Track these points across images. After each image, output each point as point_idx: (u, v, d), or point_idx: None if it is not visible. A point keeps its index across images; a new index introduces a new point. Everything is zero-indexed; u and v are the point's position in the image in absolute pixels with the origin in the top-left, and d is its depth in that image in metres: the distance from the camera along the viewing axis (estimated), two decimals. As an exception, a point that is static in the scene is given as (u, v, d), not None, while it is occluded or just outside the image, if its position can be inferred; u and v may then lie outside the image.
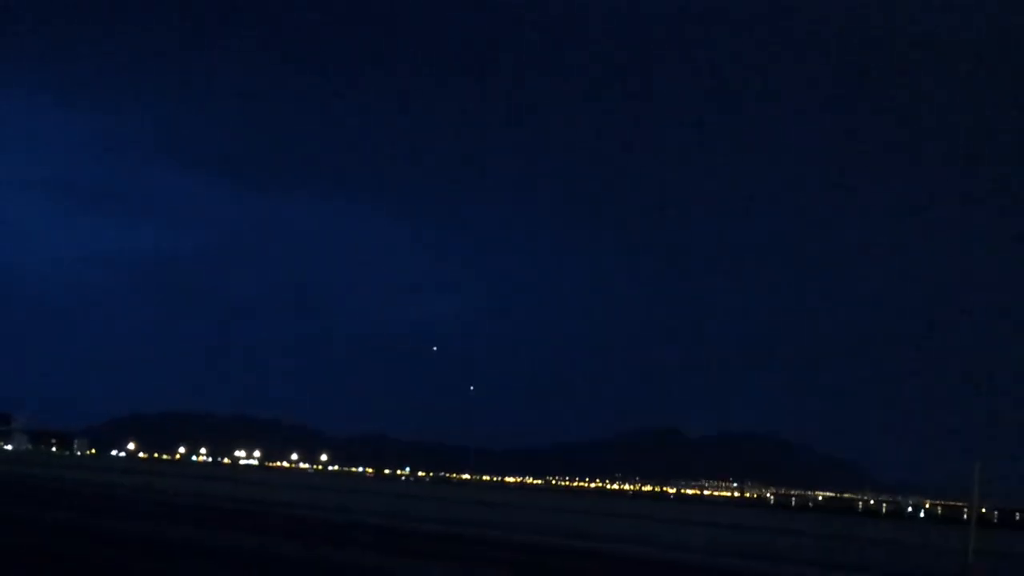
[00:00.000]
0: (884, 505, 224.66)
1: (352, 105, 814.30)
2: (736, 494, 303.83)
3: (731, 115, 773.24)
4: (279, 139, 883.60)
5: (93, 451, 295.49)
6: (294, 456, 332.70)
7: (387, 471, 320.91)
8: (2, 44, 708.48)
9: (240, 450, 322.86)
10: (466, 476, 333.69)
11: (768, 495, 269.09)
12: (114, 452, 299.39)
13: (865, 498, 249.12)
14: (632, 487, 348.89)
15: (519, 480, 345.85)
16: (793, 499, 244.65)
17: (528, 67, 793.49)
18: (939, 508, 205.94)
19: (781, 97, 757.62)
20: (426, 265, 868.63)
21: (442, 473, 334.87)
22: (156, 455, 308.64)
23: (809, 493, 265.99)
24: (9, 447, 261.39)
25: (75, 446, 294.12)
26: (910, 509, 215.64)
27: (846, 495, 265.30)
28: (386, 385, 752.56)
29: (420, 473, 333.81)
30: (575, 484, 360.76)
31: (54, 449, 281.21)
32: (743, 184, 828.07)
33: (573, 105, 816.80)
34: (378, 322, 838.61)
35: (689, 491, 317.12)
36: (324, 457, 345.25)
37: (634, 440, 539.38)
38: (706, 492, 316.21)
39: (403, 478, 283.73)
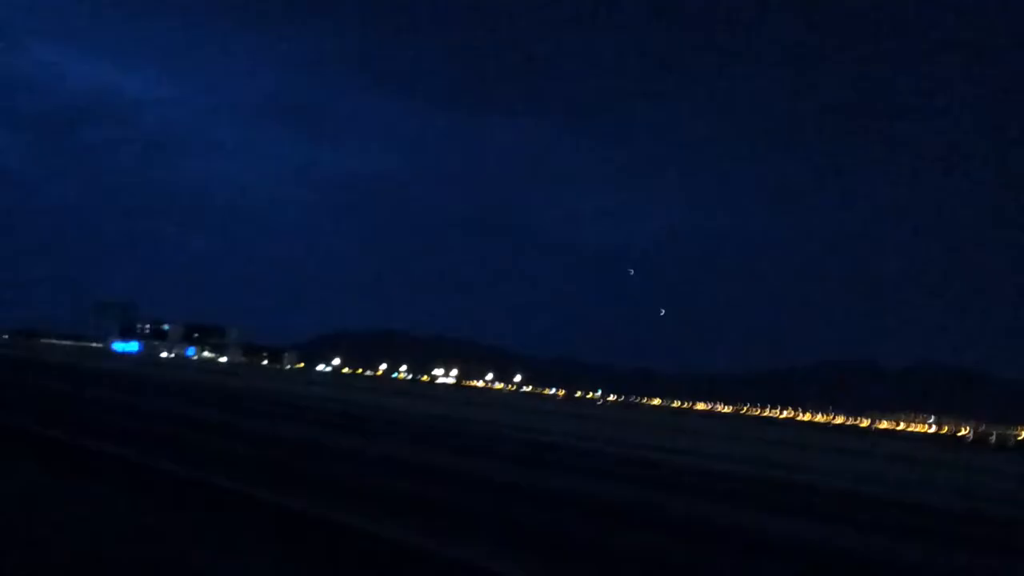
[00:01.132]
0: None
1: (549, 26, 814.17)
2: (934, 429, 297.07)
3: None
4: (476, 61, 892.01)
5: (301, 365, 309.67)
6: (489, 376, 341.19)
7: (578, 393, 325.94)
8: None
9: (438, 368, 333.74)
10: (656, 401, 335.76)
11: (967, 432, 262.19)
12: (320, 367, 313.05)
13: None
14: (825, 418, 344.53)
15: (709, 407, 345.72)
16: (994, 436, 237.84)
17: None
18: None
19: None
20: (622, 188, 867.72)
21: (632, 397, 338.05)
22: (359, 371, 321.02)
23: (1011, 430, 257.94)
24: (224, 359, 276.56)
25: (284, 360, 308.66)
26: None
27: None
28: (579, 307, 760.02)
29: (611, 397, 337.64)
30: (766, 414, 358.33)
31: (265, 363, 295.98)
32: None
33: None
34: (573, 244, 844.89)
35: (884, 424, 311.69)
36: (518, 377, 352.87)
37: (828, 370, 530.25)
38: (902, 426, 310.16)
39: (596, 400, 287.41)
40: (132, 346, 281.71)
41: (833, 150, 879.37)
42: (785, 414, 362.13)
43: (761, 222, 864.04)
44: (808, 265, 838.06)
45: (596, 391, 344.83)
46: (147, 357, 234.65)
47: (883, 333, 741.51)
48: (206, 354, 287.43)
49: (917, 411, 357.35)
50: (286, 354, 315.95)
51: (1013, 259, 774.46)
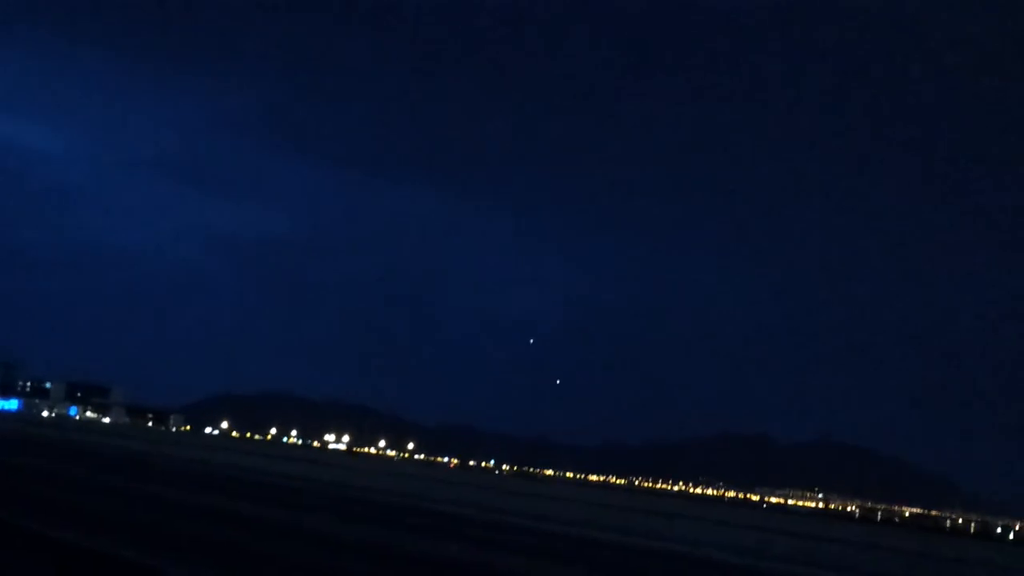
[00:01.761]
0: (972, 524, 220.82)
1: (456, 101, 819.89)
2: (821, 505, 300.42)
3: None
4: (384, 130, 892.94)
5: (188, 428, 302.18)
6: (381, 443, 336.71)
7: (472, 462, 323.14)
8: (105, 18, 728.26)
9: (330, 434, 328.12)
10: (549, 472, 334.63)
11: (853, 508, 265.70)
12: (208, 430, 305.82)
13: (953, 516, 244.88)
14: (716, 492, 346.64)
15: (602, 479, 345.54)
16: (879, 513, 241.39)
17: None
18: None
19: None
20: (521, 257, 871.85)
21: (526, 468, 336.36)
22: (248, 434, 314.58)
23: (895, 508, 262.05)
24: (107, 420, 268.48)
25: (171, 422, 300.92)
26: (999, 529, 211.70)
27: (933, 512, 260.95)
28: (477, 376, 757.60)
29: (504, 466, 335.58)
30: (658, 486, 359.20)
31: (150, 424, 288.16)
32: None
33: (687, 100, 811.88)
34: (471, 311, 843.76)
35: (774, 499, 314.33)
36: (411, 446, 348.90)
37: (722, 444, 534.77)
38: (790, 501, 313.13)
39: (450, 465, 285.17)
40: (12, 404, 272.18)
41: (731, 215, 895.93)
42: (677, 487, 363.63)
43: (657, 294, 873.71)
44: (705, 337, 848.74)
45: (490, 460, 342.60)
46: (27, 415, 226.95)
47: (778, 408, 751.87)
48: (89, 414, 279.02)
49: (809, 487, 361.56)
50: (172, 416, 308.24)
51: (911, 340, 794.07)
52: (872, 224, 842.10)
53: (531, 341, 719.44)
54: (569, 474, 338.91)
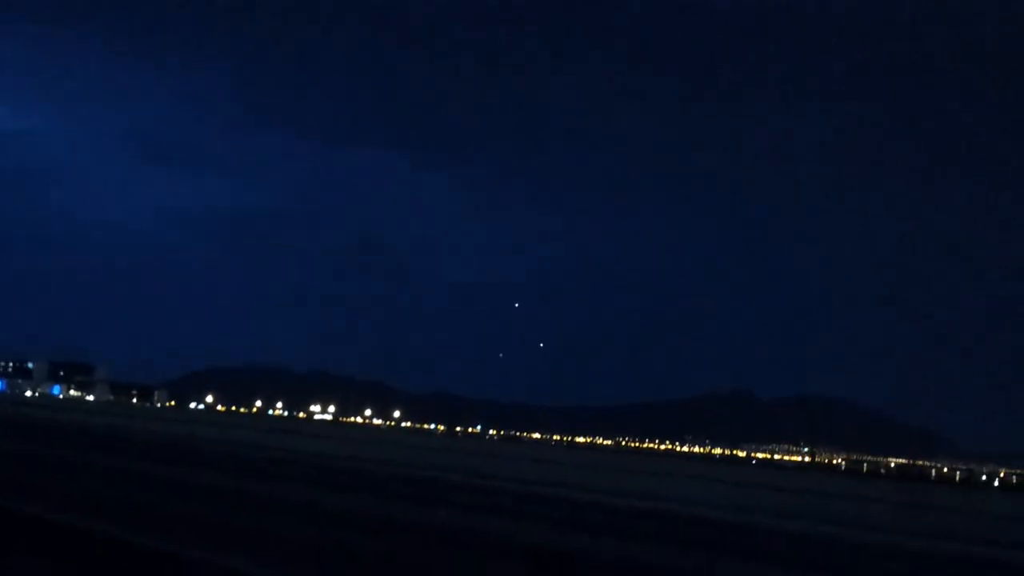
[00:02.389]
0: (958, 473, 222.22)
1: (424, 65, 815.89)
2: (807, 459, 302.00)
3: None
4: (352, 97, 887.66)
5: (173, 403, 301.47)
6: (367, 412, 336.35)
7: (458, 428, 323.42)
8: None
9: (315, 405, 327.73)
10: (536, 435, 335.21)
11: (839, 461, 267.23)
12: (193, 405, 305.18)
13: (939, 466, 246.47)
14: (702, 450, 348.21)
15: (589, 440, 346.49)
16: (865, 465, 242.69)
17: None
18: (1014, 477, 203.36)
19: None
20: (501, 222, 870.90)
21: (513, 432, 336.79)
22: (233, 408, 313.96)
23: (881, 459, 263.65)
24: (91, 398, 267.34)
25: (156, 398, 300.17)
26: (984, 478, 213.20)
27: (919, 462, 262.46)
28: (459, 342, 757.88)
29: (491, 431, 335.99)
30: (644, 446, 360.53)
31: (135, 401, 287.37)
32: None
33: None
34: (451, 278, 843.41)
35: (759, 455, 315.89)
36: (397, 414, 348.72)
37: (707, 402, 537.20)
38: (776, 456, 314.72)
39: (436, 434, 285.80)
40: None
41: (710, 181, 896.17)
42: (664, 446, 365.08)
43: (638, 256, 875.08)
44: (685, 297, 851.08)
45: (476, 426, 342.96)
46: (11, 396, 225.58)
47: (761, 364, 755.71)
48: (72, 392, 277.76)
49: (794, 442, 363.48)
50: (157, 392, 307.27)
51: (889, 292, 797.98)
52: (848, 180, 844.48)
53: (516, 305, 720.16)
54: (556, 436, 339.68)
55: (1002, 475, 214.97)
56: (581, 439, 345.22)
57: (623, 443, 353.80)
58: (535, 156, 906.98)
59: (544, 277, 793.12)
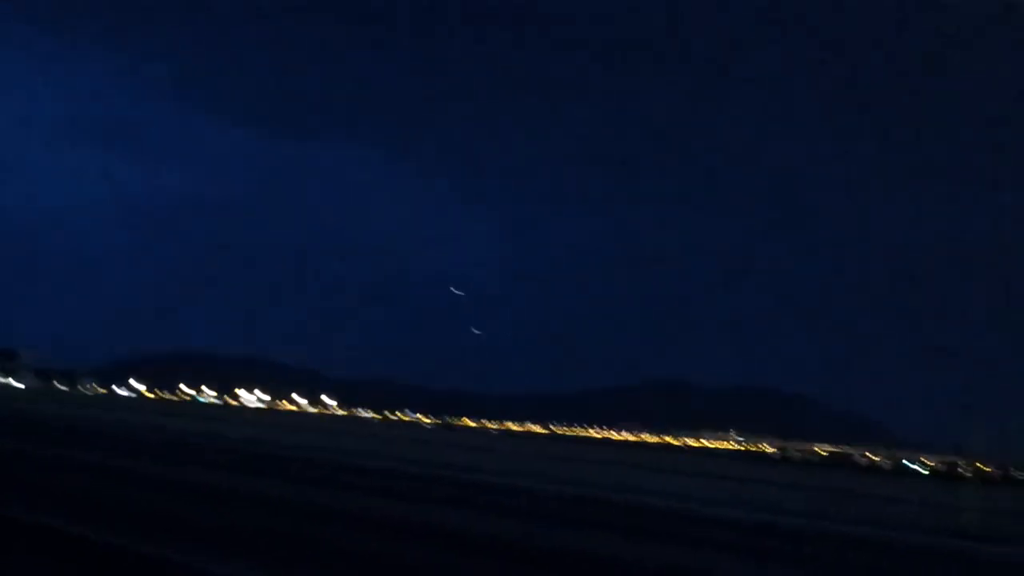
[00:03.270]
0: (888, 461, 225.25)
1: (371, 54, 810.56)
2: (740, 447, 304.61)
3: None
4: (298, 87, 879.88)
5: (100, 389, 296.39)
6: (297, 397, 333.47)
7: (392, 415, 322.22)
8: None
9: (245, 391, 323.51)
10: (471, 423, 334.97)
11: (772, 449, 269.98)
12: (122, 391, 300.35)
13: (869, 454, 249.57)
14: (636, 437, 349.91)
15: (523, 427, 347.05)
16: (797, 453, 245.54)
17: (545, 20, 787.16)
18: (943, 465, 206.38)
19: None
20: (441, 213, 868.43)
21: (447, 418, 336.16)
22: (162, 394, 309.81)
23: (813, 447, 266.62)
24: (16, 384, 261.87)
25: (82, 383, 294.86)
26: (912, 465, 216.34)
27: (849, 450, 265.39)
28: (396, 330, 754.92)
29: (424, 418, 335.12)
30: (578, 433, 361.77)
31: (62, 388, 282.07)
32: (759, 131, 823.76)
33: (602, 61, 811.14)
34: (387, 266, 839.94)
35: (693, 443, 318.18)
36: (329, 400, 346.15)
37: (642, 390, 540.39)
38: (709, 444, 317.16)
39: (377, 420, 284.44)
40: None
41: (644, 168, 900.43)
42: (599, 434, 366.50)
43: (574, 243, 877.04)
44: (621, 286, 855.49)
45: (409, 412, 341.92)
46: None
47: (697, 353, 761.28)
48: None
49: (728, 431, 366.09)
50: (83, 378, 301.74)
51: (821, 282, 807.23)
52: (784, 161, 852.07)
53: (454, 291, 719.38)
54: (490, 424, 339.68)
55: (933, 464, 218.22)
56: (515, 426, 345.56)
57: (557, 431, 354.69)
58: (471, 147, 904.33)
59: (480, 266, 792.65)
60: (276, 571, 14.15)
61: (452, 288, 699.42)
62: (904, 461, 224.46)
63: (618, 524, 26.85)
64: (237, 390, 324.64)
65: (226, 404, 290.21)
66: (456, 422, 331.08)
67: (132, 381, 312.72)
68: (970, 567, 25.54)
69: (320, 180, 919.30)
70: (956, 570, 24.52)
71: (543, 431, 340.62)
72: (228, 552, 15.28)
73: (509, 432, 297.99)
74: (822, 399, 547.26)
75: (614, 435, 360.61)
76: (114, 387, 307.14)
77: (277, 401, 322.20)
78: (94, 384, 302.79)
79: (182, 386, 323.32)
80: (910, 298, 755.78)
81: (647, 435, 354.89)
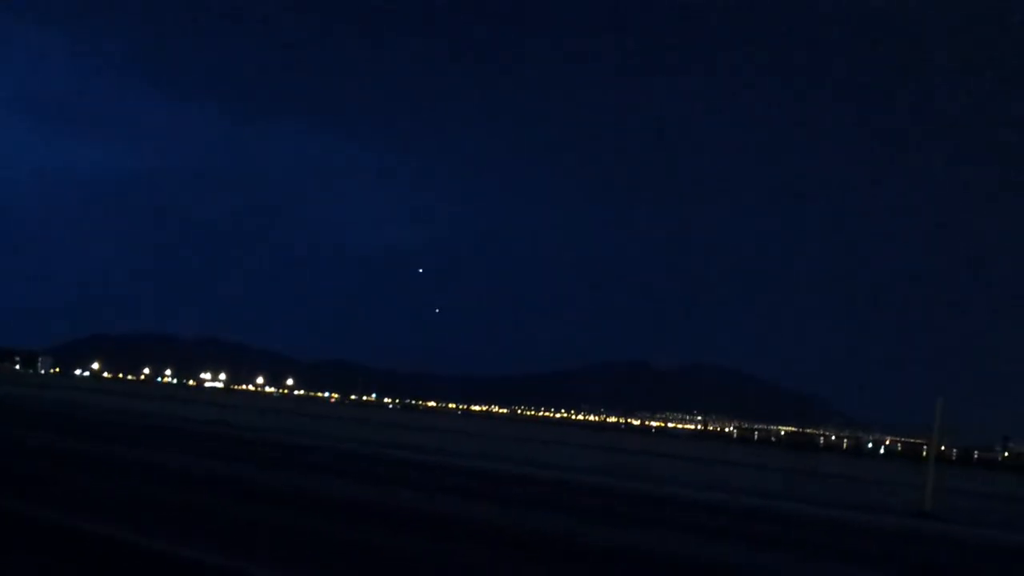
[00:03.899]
0: (845, 441, 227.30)
1: (326, 33, 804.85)
2: (700, 427, 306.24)
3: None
4: (253, 65, 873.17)
5: (57, 370, 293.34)
6: (260, 380, 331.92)
7: (353, 397, 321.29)
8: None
9: (206, 372, 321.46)
10: (431, 404, 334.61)
11: (731, 429, 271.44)
12: (78, 372, 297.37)
13: (827, 433, 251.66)
14: (598, 418, 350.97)
15: (485, 409, 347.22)
16: (756, 433, 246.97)
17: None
18: (899, 445, 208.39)
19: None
20: (396, 193, 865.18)
21: (408, 400, 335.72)
22: (120, 375, 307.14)
23: (772, 427, 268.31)
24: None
25: (39, 364, 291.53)
26: (870, 445, 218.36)
27: (808, 430, 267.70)
28: (356, 311, 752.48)
29: (386, 400, 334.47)
30: (540, 414, 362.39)
31: (17, 367, 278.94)
32: (716, 115, 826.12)
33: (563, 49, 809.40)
34: (348, 247, 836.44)
35: (654, 423, 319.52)
36: (290, 382, 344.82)
37: (603, 372, 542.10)
38: (670, 425, 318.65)
39: (331, 401, 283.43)
40: None
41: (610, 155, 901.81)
42: (560, 415, 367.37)
43: (534, 225, 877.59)
44: (582, 268, 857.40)
45: (371, 394, 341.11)
46: None
47: (656, 335, 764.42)
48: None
49: (688, 411, 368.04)
50: (40, 358, 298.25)
51: (779, 263, 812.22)
52: (744, 155, 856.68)
53: (420, 271, 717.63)
54: (452, 405, 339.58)
55: (887, 442, 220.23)
56: (477, 408, 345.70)
57: (519, 412, 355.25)
58: (436, 126, 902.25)
59: (440, 247, 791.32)
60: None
61: (419, 270, 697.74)
62: (868, 441, 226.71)
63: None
64: (200, 374, 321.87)
65: (184, 385, 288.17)
66: (417, 404, 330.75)
67: (94, 364, 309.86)
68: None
69: (280, 158, 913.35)
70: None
71: (505, 412, 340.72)
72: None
73: (470, 414, 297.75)
74: (776, 379, 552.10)
75: (575, 416, 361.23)
76: (77, 370, 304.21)
77: (237, 384, 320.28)
78: (51, 364, 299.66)
79: (146, 370, 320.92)
80: (867, 278, 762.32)
81: (609, 416, 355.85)
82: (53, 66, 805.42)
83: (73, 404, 66.36)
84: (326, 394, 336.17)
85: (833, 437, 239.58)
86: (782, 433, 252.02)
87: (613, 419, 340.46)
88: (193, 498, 19.54)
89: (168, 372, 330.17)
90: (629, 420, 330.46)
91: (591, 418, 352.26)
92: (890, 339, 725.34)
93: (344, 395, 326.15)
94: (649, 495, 31.66)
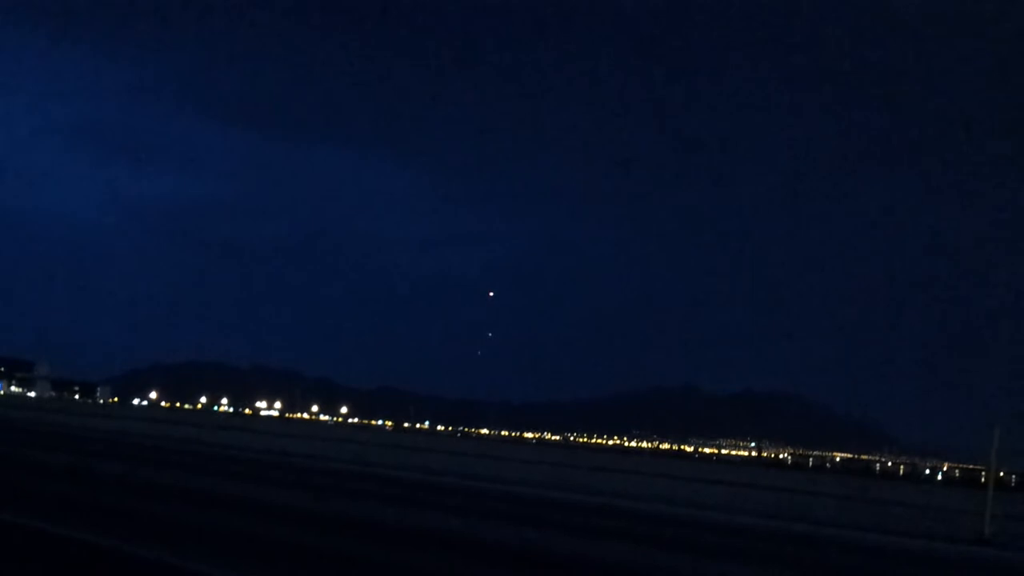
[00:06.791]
0: (902, 467, 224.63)
1: (373, 58, 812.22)
2: (753, 454, 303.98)
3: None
4: (302, 90, 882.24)
5: (115, 400, 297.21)
6: (314, 408, 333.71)
7: (406, 424, 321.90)
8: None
9: (261, 401, 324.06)
10: (484, 431, 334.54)
11: (785, 455, 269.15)
12: (136, 401, 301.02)
13: (883, 460, 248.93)
14: (650, 445, 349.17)
15: (537, 436, 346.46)
16: (811, 460, 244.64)
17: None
18: (957, 471, 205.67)
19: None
20: (450, 217, 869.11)
21: (461, 428, 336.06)
22: (178, 404, 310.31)
23: (827, 454, 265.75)
24: (32, 394, 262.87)
25: (98, 394, 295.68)
26: (928, 471, 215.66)
27: (863, 456, 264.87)
28: (406, 338, 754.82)
29: (439, 427, 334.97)
30: (592, 441, 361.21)
31: (77, 397, 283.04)
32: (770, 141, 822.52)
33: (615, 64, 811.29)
34: (398, 274, 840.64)
35: (706, 450, 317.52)
36: (344, 409, 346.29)
37: (653, 397, 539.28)
38: (723, 451, 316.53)
39: (379, 428, 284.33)
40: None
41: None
42: (612, 442, 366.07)
43: (586, 252, 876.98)
44: (633, 294, 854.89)
45: (424, 422, 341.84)
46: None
47: (707, 360, 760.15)
48: (14, 389, 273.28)
49: (741, 437, 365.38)
50: (99, 388, 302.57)
51: (834, 288, 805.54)
52: (789, 178, 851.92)
53: (491, 294, 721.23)
54: (504, 432, 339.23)
55: (945, 468, 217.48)
56: (530, 435, 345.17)
57: (571, 439, 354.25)
58: (488, 152, 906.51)
59: (493, 274, 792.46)
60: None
61: (490, 293, 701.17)
62: (925, 468, 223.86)
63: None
64: (255, 402, 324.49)
65: (240, 414, 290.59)
66: (469, 431, 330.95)
67: (152, 394, 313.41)
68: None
69: (330, 183, 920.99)
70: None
71: (558, 440, 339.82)
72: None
73: (522, 441, 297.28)
74: (830, 405, 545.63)
75: (627, 443, 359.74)
76: (136, 400, 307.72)
77: (292, 412, 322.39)
78: (109, 394, 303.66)
79: (203, 399, 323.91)
80: (919, 303, 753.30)
81: (661, 443, 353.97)
82: (103, 95, 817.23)
83: (141, 434, 67.63)
84: (379, 422, 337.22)
85: (889, 463, 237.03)
86: (837, 459, 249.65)
87: (666, 446, 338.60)
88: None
89: (224, 400, 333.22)
90: (682, 447, 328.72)
91: (643, 445, 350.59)
92: (945, 366, 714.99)
93: (397, 423, 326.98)
94: (714, 524, 31.90)
